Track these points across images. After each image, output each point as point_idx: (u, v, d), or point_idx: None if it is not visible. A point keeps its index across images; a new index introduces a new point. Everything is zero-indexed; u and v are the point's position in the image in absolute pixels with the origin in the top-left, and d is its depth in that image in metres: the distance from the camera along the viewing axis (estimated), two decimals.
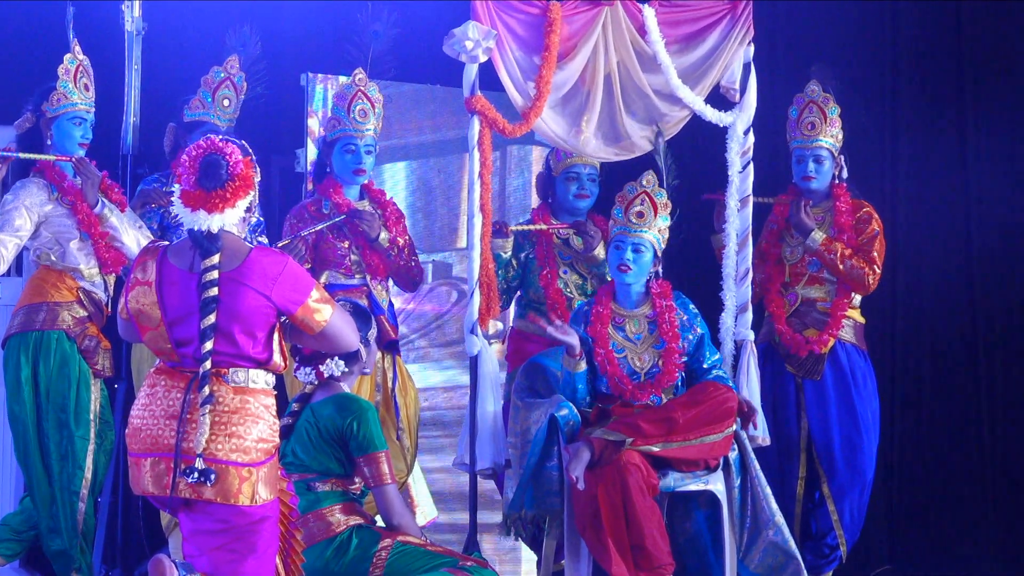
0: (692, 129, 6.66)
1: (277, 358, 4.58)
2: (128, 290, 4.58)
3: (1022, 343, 7.76)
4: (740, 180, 6.63)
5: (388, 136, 7.19)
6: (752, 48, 6.68)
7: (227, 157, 4.51)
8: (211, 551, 4.54)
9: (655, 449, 5.85)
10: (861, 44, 7.91)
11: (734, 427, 6.02)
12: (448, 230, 7.82)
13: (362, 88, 6.40)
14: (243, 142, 4.61)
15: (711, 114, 6.61)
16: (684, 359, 6.11)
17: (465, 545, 6.21)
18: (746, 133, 6.65)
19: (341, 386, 5.36)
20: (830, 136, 6.71)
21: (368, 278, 6.43)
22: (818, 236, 6.63)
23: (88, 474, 6.18)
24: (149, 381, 4.57)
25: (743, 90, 6.66)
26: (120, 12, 6.83)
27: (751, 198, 6.65)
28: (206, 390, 4.44)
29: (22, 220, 6.15)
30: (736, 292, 6.58)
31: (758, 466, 6.14)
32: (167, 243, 4.62)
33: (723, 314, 6.55)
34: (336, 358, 5.29)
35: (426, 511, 7.09)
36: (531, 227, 6.71)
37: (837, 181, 6.75)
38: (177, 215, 4.56)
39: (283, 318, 4.58)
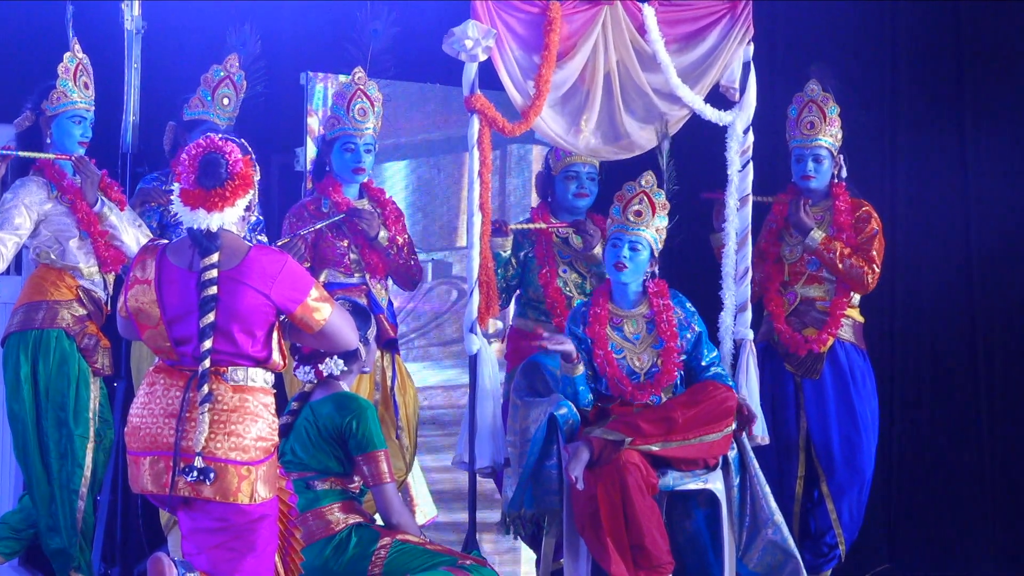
0: (692, 128, 6.66)
1: (276, 357, 4.58)
2: (127, 288, 4.58)
3: (1022, 343, 7.76)
4: (739, 179, 6.64)
5: (388, 135, 7.19)
6: (752, 47, 6.68)
7: (226, 156, 4.52)
8: (210, 549, 4.54)
9: (654, 449, 5.85)
10: (861, 44, 7.91)
11: (733, 427, 6.02)
12: (447, 229, 7.82)
13: (361, 87, 6.40)
14: (242, 141, 4.61)
15: (711, 113, 6.61)
16: (683, 358, 6.11)
17: (464, 544, 6.21)
18: (745, 132, 6.66)
19: (340, 385, 5.36)
20: (829, 135, 6.71)
21: (367, 277, 6.43)
22: (817, 235, 6.63)
23: (87, 472, 6.18)
24: (148, 380, 4.57)
25: (743, 89, 6.67)
26: (120, 11, 6.82)
27: (750, 197, 6.66)
28: (205, 388, 4.44)
29: (22, 218, 6.15)
30: (735, 291, 6.59)
31: (757, 465, 6.14)
32: (166, 241, 4.62)
33: (722, 313, 6.55)
34: (335, 357, 5.29)
35: (426, 510, 7.09)
36: (530, 226, 6.71)
37: (836, 180, 6.75)
38: (176, 214, 4.56)
39: (282, 317, 4.59)
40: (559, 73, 6.34)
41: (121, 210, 6.28)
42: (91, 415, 6.20)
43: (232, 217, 4.53)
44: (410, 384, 6.58)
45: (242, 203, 4.54)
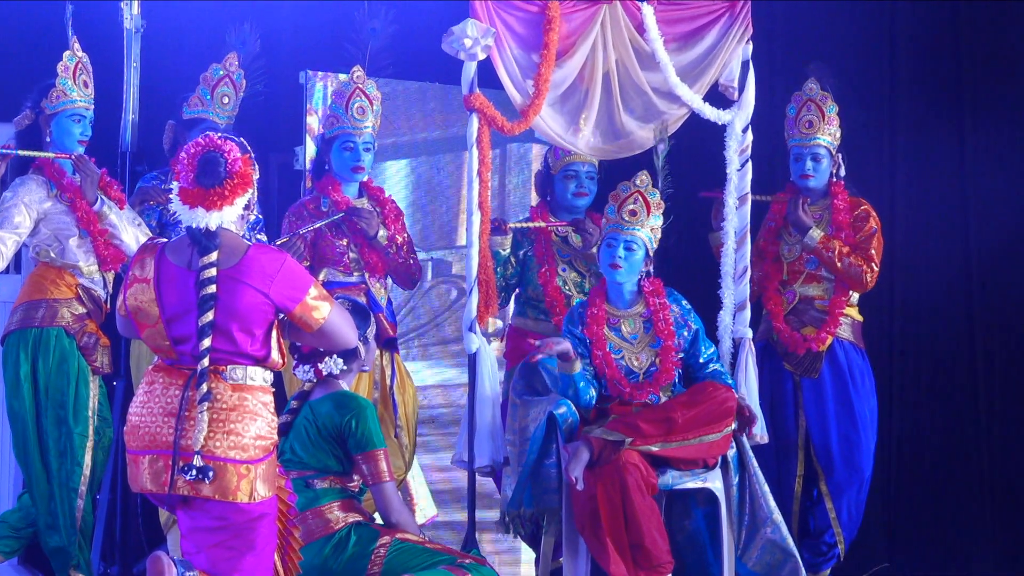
0: (690, 127, 6.66)
1: (275, 355, 4.58)
2: (126, 287, 4.58)
3: (1022, 343, 7.75)
4: (738, 178, 6.64)
5: (387, 134, 7.19)
6: (751, 46, 6.68)
7: (226, 155, 4.52)
8: (209, 548, 4.54)
9: (654, 449, 5.85)
10: (860, 43, 7.90)
11: (733, 427, 6.02)
12: (447, 228, 7.81)
13: (360, 86, 6.40)
14: (242, 139, 4.61)
15: (709, 112, 6.61)
16: (681, 356, 6.12)
17: (464, 543, 6.22)
18: (744, 131, 6.66)
19: (340, 384, 5.36)
20: (828, 134, 6.71)
21: (367, 276, 6.43)
22: (816, 234, 6.63)
23: (87, 471, 6.18)
24: (147, 379, 4.57)
25: (741, 88, 6.67)
26: (119, 10, 6.82)
27: (749, 196, 6.66)
28: (204, 387, 4.44)
29: (21, 217, 6.15)
30: (734, 290, 6.59)
31: (756, 464, 6.14)
32: (165, 240, 4.63)
33: (721, 312, 6.55)
34: (335, 356, 5.29)
35: (425, 509, 7.09)
36: (530, 225, 6.71)
37: (835, 179, 6.75)
38: (176, 212, 4.56)
39: (281, 315, 4.59)
40: (558, 72, 6.34)
41: (120, 209, 6.28)
42: (90, 413, 6.20)
43: (231, 216, 4.53)
44: (409, 383, 6.58)
45: (241, 202, 4.54)
